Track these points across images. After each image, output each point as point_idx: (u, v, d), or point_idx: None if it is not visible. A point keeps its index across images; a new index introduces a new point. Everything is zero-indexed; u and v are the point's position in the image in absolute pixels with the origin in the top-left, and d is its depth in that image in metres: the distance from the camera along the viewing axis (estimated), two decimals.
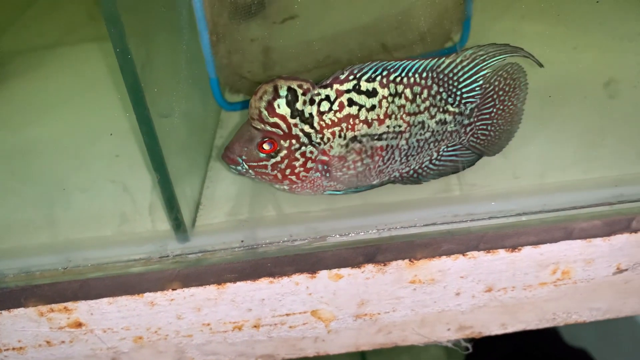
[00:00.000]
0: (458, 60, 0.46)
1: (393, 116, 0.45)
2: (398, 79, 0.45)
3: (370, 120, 0.45)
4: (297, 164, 0.46)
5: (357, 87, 0.45)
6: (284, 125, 0.44)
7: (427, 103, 0.46)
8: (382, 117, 0.45)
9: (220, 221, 0.50)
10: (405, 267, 0.48)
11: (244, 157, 0.45)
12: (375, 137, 0.46)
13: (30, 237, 0.50)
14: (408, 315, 0.52)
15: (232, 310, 0.50)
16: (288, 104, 0.43)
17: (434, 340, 0.54)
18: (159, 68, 0.43)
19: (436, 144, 0.48)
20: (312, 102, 0.44)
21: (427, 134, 0.47)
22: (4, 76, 0.80)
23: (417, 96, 0.46)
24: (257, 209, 0.50)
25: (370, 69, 0.44)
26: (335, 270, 0.48)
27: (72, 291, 0.48)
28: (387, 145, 0.46)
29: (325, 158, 0.46)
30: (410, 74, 0.45)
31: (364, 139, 0.46)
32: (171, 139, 0.45)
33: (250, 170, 0.46)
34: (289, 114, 0.44)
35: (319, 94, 0.44)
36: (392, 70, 0.44)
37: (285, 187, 0.48)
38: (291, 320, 0.51)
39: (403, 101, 0.45)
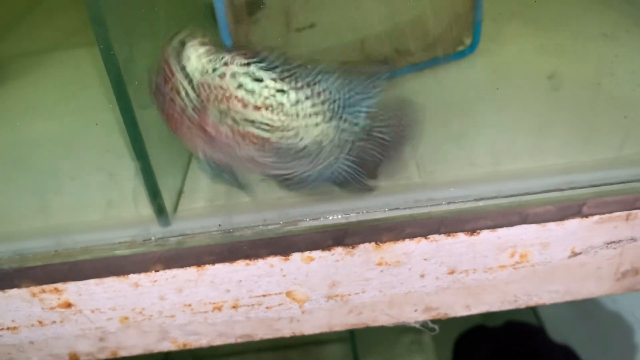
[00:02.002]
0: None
1: (270, 109, 0.47)
2: (298, 83, 0.47)
3: (245, 102, 0.46)
4: (177, 111, 0.47)
5: (251, 73, 0.46)
6: (168, 72, 0.46)
7: (311, 112, 0.47)
8: (258, 104, 0.46)
9: (199, 207, 0.53)
10: (372, 249, 0.52)
11: (152, 85, 0.47)
12: (248, 121, 0.47)
13: (24, 222, 0.54)
14: (377, 296, 0.55)
15: (212, 291, 0.53)
16: (176, 55, 0.45)
17: (402, 321, 0.57)
18: (141, 63, 0.47)
19: (316, 155, 0.49)
20: (208, 66, 0.46)
21: (305, 142, 0.48)
22: (3, 78, 0.84)
23: (300, 103, 0.47)
24: (234, 196, 0.54)
25: (288, 68, 0.47)
26: (307, 253, 0.51)
27: (62, 272, 0.51)
28: (259, 136, 0.47)
29: (199, 119, 0.47)
30: (314, 84, 0.47)
31: (237, 117, 0.47)
32: (154, 131, 0.49)
33: (152, 94, 0.48)
34: (179, 68, 0.46)
35: (218, 60, 0.46)
36: (303, 74, 0.47)
37: (167, 122, 0.49)
38: (267, 301, 0.54)
39: (285, 100, 0.47)
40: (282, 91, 0.47)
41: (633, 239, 0.54)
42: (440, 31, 0.70)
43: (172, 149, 0.54)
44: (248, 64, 0.46)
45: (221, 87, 0.46)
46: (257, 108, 0.47)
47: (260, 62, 0.47)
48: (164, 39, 0.45)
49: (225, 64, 0.46)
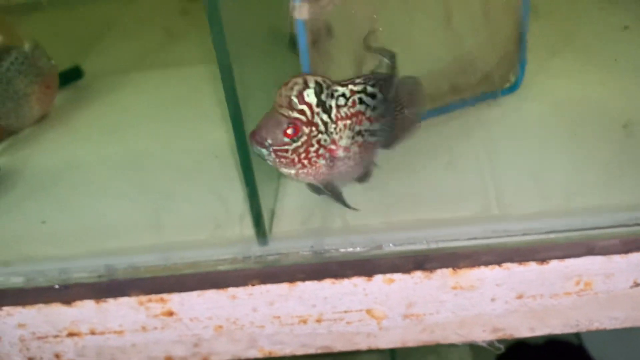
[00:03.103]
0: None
1: (381, 117, 0.56)
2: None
3: (368, 117, 0.55)
4: (312, 149, 0.53)
5: (365, 89, 0.54)
6: (308, 113, 0.52)
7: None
8: (376, 116, 0.56)
9: (293, 229, 0.59)
10: (449, 274, 0.56)
11: (269, 141, 0.52)
12: (371, 133, 0.56)
13: (138, 238, 0.60)
14: (449, 317, 0.60)
15: (299, 306, 0.58)
16: (315, 94, 0.52)
17: (470, 340, 0.62)
18: (253, 103, 0.53)
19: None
20: (332, 96, 0.53)
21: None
22: (92, 95, 0.91)
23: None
24: (325, 220, 0.59)
25: (376, 79, 0.56)
26: (388, 275, 0.57)
27: (169, 284, 0.57)
28: (376, 142, 0.57)
29: (333, 147, 0.54)
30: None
31: (366, 134, 0.56)
32: (259, 161, 0.54)
33: (272, 154, 0.52)
34: (315, 103, 0.52)
35: (337, 90, 0.53)
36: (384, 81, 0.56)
37: (292, 172, 0.55)
38: (348, 317, 0.59)
39: (382, 104, 0.56)
40: (383, 100, 0.56)
41: None
42: (490, 69, 0.75)
43: (268, 175, 0.60)
44: (364, 86, 0.54)
45: (353, 111, 0.54)
46: (377, 119, 0.56)
47: (368, 82, 0.55)
48: (278, 90, 0.51)
49: (350, 91, 0.54)
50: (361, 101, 0.54)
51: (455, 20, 0.70)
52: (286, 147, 0.52)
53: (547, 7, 0.89)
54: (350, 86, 0.54)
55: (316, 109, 0.52)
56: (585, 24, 0.91)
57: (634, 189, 0.59)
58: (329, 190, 0.58)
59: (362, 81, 0.55)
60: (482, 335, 0.62)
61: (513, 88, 0.77)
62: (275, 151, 0.52)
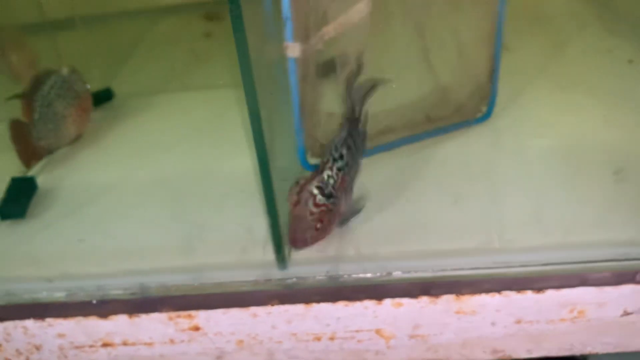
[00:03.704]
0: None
1: (352, 168, 0.67)
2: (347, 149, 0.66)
3: (348, 173, 0.66)
4: (331, 221, 0.64)
5: (334, 161, 0.64)
6: (325, 208, 0.62)
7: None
8: (349, 170, 0.66)
9: (311, 256, 0.64)
10: (453, 300, 0.62)
11: (309, 241, 0.63)
12: (351, 182, 0.67)
13: (169, 259, 0.66)
14: (452, 339, 0.65)
15: (315, 324, 0.64)
16: (322, 195, 0.62)
17: (472, 359, 0.67)
18: (275, 142, 0.59)
19: None
20: (326, 185, 0.63)
21: None
22: (122, 116, 0.97)
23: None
24: (340, 249, 0.65)
25: (337, 146, 0.65)
26: (397, 299, 0.62)
27: (197, 302, 0.63)
28: (353, 179, 0.68)
29: (339, 211, 0.65)
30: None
31: (348, 187, 0.67)
32: (280, 195, 0.60)
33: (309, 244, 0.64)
34: (325, 200, 0.62)
35: (326, 178, 0.63)
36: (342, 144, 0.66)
37: (321, 242, 0.65)
38: (359, 336, 0.65)
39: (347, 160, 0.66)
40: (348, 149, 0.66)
41: None
42: (463, 100, 0.82)
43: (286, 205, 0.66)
44: (338, 160, 0.65)
45: (341, 180, 0.65)
46: (349, 174, 0.67)
47: (334, 156, 0.65)
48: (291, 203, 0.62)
49: (330, 170, 0.64)
50: (339, 169, 0.65)
51: (433, 54, 0.76)
52: (317, 233, 0.63)
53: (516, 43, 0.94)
54: (327, 170, 0.64)
55: (327, 202, 0.62)
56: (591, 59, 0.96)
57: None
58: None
59: (329, 158, 0.65)
60: (482, 355, 0.67)
61: (484, 117, 0.84)
62: (312, 239, 0.63)
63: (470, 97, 0.82)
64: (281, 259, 0.62)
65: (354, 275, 0.62)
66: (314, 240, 0.63)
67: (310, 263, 0.64)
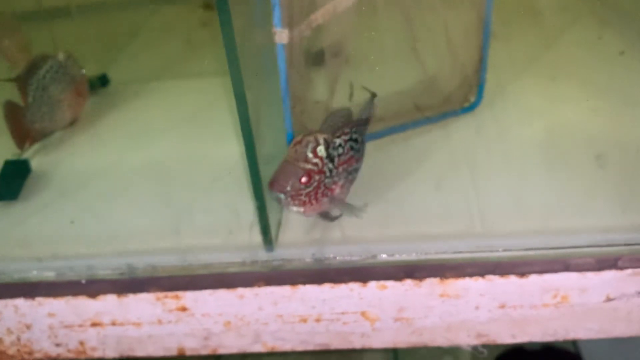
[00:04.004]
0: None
1: (361, 156, 0.67)
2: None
3: (357, 159, 0.66)
4: (320, 191, 0.62)
5: (352, 137, 0.65)
6: (320, 164, 0.61)
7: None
8: (359, 156, 0.66)
9: (297, 238, 0.65)
10: (437, 283, 0.62)
11: (288, 189, 0.61)
12: (355, 170, 0.66)
13: (157, 241, 0.67)
14: (437, 322, 0.66)
15: (301, 306, 0.65)
16: (326, 149, 0.61)
17: (456, 343, 0.68)
18: (262, 125, 0.60)
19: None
20: (334, 147, 0.63)
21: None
22: (117, 102, 0.98)
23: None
24: (326, 231, 0.66)
25: (357, 129, 0.66)
26: (382, 282, 0.62)
27: (184, 283, 0.63)
28: (354, 178, 0.67)
29: (334, 187, 0.64)
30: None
31: (353, 172, 0.66)
32: (267, 177, 0.61)
33: (288, 198, 0.61)
34: (325, 156, 0.61)
35: (335, 142, 0.63)
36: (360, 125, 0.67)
37: (302, 209, 0.63)
38: (345, 318, 0.65)
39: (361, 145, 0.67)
40: (362, 141, 0.67)
41: None
42: (451, 89, 0.83)
43: None
44: (351, 135, 0.64)
45: (348, 157, 0.64)
46: (358, 160, 0.66)
47: (353, 130, 0.65)
48: (291, 145, 0.62)
49: (343, 141, 0.64)
50: (352, 147, 0.65)
51: (421, 44, 0.77)
52: (300, 192, 0.61)
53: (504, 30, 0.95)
54: (343, 136, 0.64)
55: (326, 160, 0.62)
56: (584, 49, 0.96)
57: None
58: (325, 218, 0.68)
59: (349, 130, 0.65)
60: (466, 339, 0.67)
61: (473, 106, 0.84)
62: (292, 196, 0.61)
63: (459, 87, 0.82)
64: (267, 241, 0.63)
65: (340, 258, 0.63)
66: (294, 196, 0.61)
67: (296, 245, 0.65)
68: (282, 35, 0.63)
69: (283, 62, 0.66)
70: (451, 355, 1.45)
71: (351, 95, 0.77)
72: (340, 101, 0.74)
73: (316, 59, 0.75)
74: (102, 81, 1.02)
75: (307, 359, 1.57)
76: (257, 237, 0.64)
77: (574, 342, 1.43)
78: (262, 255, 0.63)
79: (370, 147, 0.77)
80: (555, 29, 0.99)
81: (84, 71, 0.93)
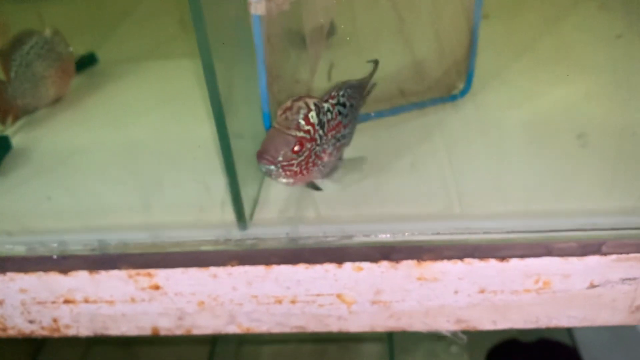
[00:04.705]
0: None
1: (350, 122, 0.64)
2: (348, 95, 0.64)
3: (344, 124, 0.63)
4: (310, 160, 0.60)
5: (339, 101, 0.62)
6: (312, 131, 0.59)
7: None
8: (346, 122, 0.63)
9: (272, 217, 0.64)
10: (414, 266, 0.60)
11: (279, 159, 0.58)
12: (344, 137, 0.64)
13: (129, 217, 0.66)
14: (415, 306, 0.64)
15: (275, 287, 0.63)
16: (317, 115, 0.59)
17: (435, 329, 0.66)
18: (236, 101, 0.58)
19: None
20: (323, 112, 0.60)
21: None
22: (104, 81, 0.97)
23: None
24: (301, 210, 0.64)
25: (345, 91, 0.63)
26: (357, 263, 0.61)
27: (156, 261, 0.62)
28: (342, 144, 0.65)
29: (323, 154, 0.62)
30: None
31: (341, 139, 0.64)
32: (239, 152, 0.59)
33: (280, 169, 0.58)
34: (317, 122, 0.59)
35: (324, 107, 0.61)
36: (349, 89, 0.64)
37: (292, 180, 0.61)
38: (320, 300, 0.64)
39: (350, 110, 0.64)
40: (351, 106, 0.64)
41: None
42: (439, 75, 0.80)
43: (252, 166, 0.65)
44: (338, 98, 0.62)
45: (336, 122, 0.62)
46: (345, 126, 0.64)
47: (339, 93, 0.63)
48: (280, 112, 0.59)
49: (331, 105, 0.62)
50: (339, 112, 0.62)
51: (407, 27, 0.75)
52: (292, 161, 0.58)
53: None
54: (330, 100, 0.62)
55: (317, 127, 0.59)
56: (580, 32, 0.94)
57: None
58: (311, 187, 0.66)
59: (335, 94, 0.62)
60: (446, 325, 0.66)
61: (462, 94, 0.82)
62: (283, 167, 0.58)
63: (447, 73, 0.80)
64: (241, 219, 0.61)
65: (314, 238, 0.62)
66: (284, 167, 0.58)
67: (270, 224, 0.63)
68: (258, 6, 0.61)
69: (259, 37, 0.64)
70: (446, 354, 1.44)
71: (330, 75, 0.74)
72: (320, 82, 0.72)
73: (297, 40, 0.73)
74: (90, 60, 1.00)
75: (307, 349, 1.57)
76: (231, 215, 0.62)
77: (571, 335, 1.42)
78: (236, 233, 0.62)
79: None
80: (552, 11, 0.96)
81: (71, 49, 0.92)
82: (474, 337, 1.47)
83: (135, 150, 0.77)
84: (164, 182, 0.70)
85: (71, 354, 1.56)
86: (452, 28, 0.77)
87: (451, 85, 0.81)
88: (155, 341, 1.58)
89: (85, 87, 0.94)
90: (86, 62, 1.00)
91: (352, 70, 0.70)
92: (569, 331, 1.40)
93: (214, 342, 1.50)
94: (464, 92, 0.81)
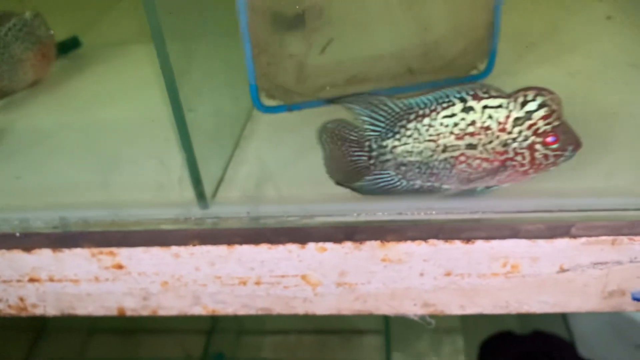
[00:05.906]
0: None
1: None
2: None
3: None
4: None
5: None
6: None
7: None
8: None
9: (234, 195, 0.63)
10: (378, 247, 0.59)
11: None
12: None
13: (90, 195, 0.65)
14: (380, 288, 0.63)
15: (239, 268, 0.62)
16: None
17: (402, 312, 0.65)
18: (196, 73, 0.57)
19: None
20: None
21: None
22: (85, 65, 0.96)
23: None
24: (263, 189, 0.63)
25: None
26: (320, 244, 0.60)
27: (117, 239, 0.61)
28: None
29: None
30: None
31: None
32: (199, 128, 0.58)
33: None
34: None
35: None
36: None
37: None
38: (285, 282, 0.63)
39: None
40: None
41: (619, 262, 0.59)
42: (454, 55, 0.75)
43: (216, 143, 0.64)
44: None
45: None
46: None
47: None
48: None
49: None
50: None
51: (418, 2, 0.71)
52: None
53: None
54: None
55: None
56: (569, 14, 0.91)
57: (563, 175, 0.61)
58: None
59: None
60: (413, 308, 0.64)
61: (481, 76, 0.78)
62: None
63: (463, 52, 0.75)
64: (201, 197, 0.60)
65: (276, 217, 0.60)
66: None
67: (232, 203, 0.62)
68: None
69: (243, 4, 0.62)
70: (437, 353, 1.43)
71: (324, 49, 0.72)
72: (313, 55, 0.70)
73: (293, 22, 0.71)
74: (73, 43, 1.00)
75: (307, 340, 1.57)
76: (191, 193, 0.62)
77: (568, 328, 1.39)
78: (196, 212, 0.61)
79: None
80: None
81: (51, 32, 0.91)
82: (470, 329, 1.46)
83: (105, 131, 0.76)
84: (127, 160, 0.69)
85: (71, 342, 1.58)
86: (468, 6, 0.73)
87: (470, 65, 0.77)
88: (154, 330, 1.59)
89: (66, 71, 0.94)
90: (69, 46, 0.99)
91: (352, 46, 0.68)
92: (565, 322, 1.38)
93: (210, 333, 1.51)
94: (485, 73, 0.77)
